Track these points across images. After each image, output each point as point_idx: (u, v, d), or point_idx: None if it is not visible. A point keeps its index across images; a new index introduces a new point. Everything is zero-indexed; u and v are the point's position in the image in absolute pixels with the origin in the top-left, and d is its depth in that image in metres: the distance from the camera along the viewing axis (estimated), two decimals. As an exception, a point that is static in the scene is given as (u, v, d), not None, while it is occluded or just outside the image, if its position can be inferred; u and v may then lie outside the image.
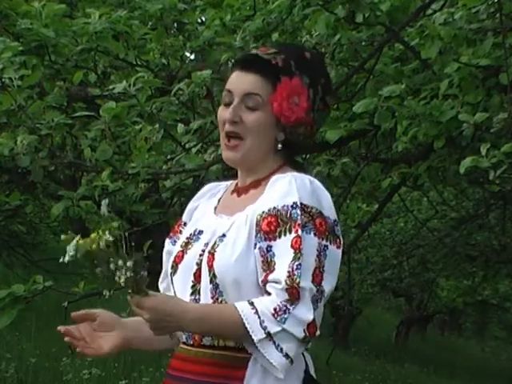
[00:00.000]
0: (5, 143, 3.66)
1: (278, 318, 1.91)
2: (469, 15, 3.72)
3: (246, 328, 1.91)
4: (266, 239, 1.97)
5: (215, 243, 2.02)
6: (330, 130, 3.93)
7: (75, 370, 6.54)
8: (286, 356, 1.92)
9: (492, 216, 8.65)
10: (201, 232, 2.09)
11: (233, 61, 2.12)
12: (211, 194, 2.20)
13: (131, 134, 3.85)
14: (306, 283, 1.93)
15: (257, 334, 1.91)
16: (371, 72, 4.00)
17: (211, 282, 2.00)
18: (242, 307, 1.93)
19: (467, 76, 3.57)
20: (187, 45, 4.91)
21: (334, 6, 3.77)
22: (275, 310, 1.92)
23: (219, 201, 2.16)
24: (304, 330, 1.93)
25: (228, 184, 2.20)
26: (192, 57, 5.52)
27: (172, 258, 2.11)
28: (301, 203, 1.97)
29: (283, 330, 1.91)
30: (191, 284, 2.05)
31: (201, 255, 2.04)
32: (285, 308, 1.92)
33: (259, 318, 1.92)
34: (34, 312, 7.96)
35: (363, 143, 4.88)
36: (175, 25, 5.16)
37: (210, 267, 2.00)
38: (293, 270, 1.92)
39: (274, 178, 2.04)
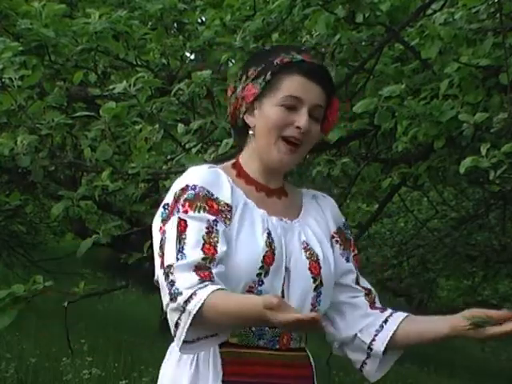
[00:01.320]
0: (5, 143, 3.66)
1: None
2: (469, 15, 3.72)
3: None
4: (351, 251, 2.22)
5: (311, 250, 2.07)
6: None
7: (75, 370, 6.54)
8: None
9: (492, 216, 8.64)
10: (270, 233, 2.04)
11: (292, 61, 2.06)
12: (228, 182, 2.07)
13: (131, 134, 3.85)
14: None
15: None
16: (371, 72, 4.00)
17: (316, 289, 2.05)
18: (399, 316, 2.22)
19: (467, 76, 3.57)
20: (187, 45, 4.91)
21: (334, 6, 3.77)
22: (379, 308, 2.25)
23: (246, 194, 2.08)
24: None
25: (222, 171, 2.09)
26: (192, 57, 5.52)
27: (260, 257, 1.99)
28: (346, 223, 2.24)
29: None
30: (281, 288, 2.03)
31: (287, 258, 2.04)
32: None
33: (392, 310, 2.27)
34: (34, 312, 7.97)
35: (363, 143, 4.87)
36: (175, 25, 5.15)
37: (317, 275, 2.05)
38: (371, 291, 2.24)
39: (312, 193, 2.22)
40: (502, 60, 3.48)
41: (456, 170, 3.55)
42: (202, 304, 1.85)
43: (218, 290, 1.86)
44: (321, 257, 2.07)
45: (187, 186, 2.02)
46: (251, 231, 2.01)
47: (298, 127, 2.03)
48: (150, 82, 3.89)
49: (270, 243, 2.01)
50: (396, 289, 14.38)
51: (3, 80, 3.73)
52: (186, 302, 1.86)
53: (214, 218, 1.97)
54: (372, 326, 2.14)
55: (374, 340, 2.14)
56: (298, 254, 2.05)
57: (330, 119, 2.12)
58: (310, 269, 2.04)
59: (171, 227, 1.98)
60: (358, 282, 2.19)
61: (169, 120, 3.95)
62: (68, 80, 4.38)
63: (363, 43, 4.13)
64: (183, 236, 1.95)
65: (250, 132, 2.10)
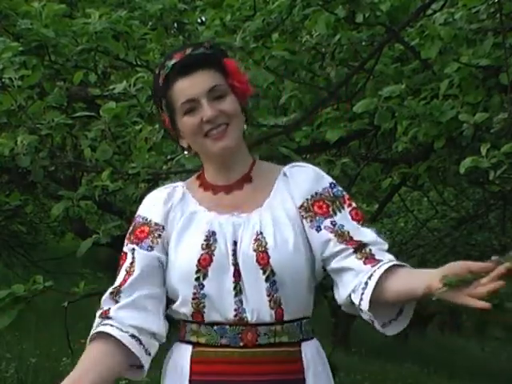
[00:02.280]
0: (5, 143, 3.66)
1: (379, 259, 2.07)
2: (469, 15, 3.72)
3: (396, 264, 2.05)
4: (325, 217, 2.08)
5: (259, 241, 2.03)
6: (329, 130, 3.93)
7: (75, 370, 6.52)
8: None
9: (492, 216, 8.64)
10: (214, 233, 2.07)
11: (167, 72, 2.12)
12: (179, 197, 2.16)
13: (131, 134, 3.85)
14: (376, 245, 2.11)
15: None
16: (371, 72, 4.00)
17: (268, 279, 2.02)
18: (384, 266, 2.04)
19: (467, 76, 3.57)
20: (187, 45, 4.91)
21: (334, 6, 3.77)
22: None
23: (198, 201, 2.14)
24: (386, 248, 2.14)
25: (182, 185, 2.20)
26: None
27: (194, 262, 2.04)
28: (333, 182, 2.13)
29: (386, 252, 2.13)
30: (233, 285, 2.03)
31: (234, 255, 2.04)
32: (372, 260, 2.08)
33: (381, 261, 2.07)
34: (34, 312, 7.96)
35: (363, 143, 4.88)
36: (175, 25, 5.15)
37: (265, 265, 2.02)
38: (367, 245, 2.08)
39: (285, 169, 2.15)
40: (501, 60, 3.48)
41: (456, 170, 3.55)
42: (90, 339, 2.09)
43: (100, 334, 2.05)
44: (270, 245, 2.02)
45: (134, 217, 2.20)
46: (190, 239, 2.08)
47: (207, 121, 2.06)
48: (150, 82, 3.88)
49: (208, 245, 2.05)
50: (396, 289, 14.37)
51: (3, 80, 3.73)
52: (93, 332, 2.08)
53: (133, 246, 2.13)
54: (360, 285, 2.04)
55: (361, 300, 2.03)
56: (246, 248, 2.04)
57: (235, 84, 2.10)
58: (257, 260, 2.02)
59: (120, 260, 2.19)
60: (345, 240, 2.06)
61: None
62: (68, 80, 4.38)
63: (363, 43, 4.13)
64: (120, 269, 2.15)
65: (185, 152, 2.18)
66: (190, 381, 2.06)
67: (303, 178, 2.12)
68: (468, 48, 3.67)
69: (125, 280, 2.10)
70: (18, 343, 7.64)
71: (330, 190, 2.11)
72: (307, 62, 4.25)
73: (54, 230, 11.48)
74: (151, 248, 2.11)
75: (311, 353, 2.09)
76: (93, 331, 2.07)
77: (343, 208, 2.10)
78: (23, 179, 5.56)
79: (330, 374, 2.15)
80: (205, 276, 2.04)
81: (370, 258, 2.06)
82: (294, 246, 2.04)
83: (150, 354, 2.09)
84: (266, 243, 2.03)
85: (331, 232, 2.06)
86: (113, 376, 2.04)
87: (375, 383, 10.57)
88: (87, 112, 4.14)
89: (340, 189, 2.12)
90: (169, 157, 3.97)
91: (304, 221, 2.08)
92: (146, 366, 2.09)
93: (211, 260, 2.04)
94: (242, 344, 2.03)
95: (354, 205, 2.11)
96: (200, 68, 2.07)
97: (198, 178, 2.19)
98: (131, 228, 2.16)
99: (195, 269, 2.04)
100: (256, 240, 2.04)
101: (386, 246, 2.10)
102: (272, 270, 2.01)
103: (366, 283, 2.00)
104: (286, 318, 2.05)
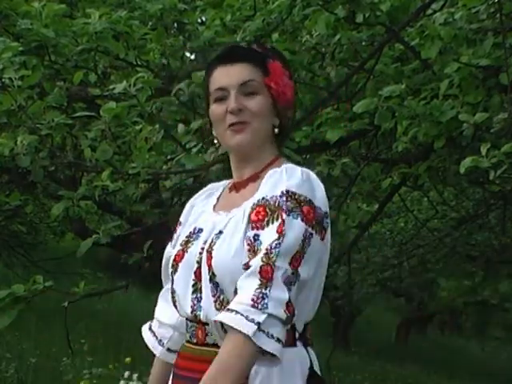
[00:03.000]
0: (5, 143, 3.66)
1: (260, 306, 1.89)
2: (469, 15, 3.72)
3: (238, 330, 1.87)
4: (253, 228, 1.98)
5: (212, 241, 2.03)
6: (330, 130, 3.93)
7: (75, 370, 6.54)
8: (278, 340, 1.90)
9: (492, 216, 8.64)
10: (200, 230, 2.10)
11: (209, 61, 2.14)
12: (209, 193, 2.22)
13: (131, 135, 3.85)
14: (283, 264, 1.92)
15: (249, 330, 1.88)
16: (371, 72, 4.00)
17: (211, 280, 2.00)
18: (223, 317, 1.90)
19: (467, 76, 3.57)
20: (187, 45, 4.91)
21: (334, 6, 3.77)
22: (253, 300, 1.90)
23: (218, 199, 2.18)
24: (284, 311, 1.91)
25: (226, 183, 2.23)
26: (192, 57, 5.52)
27: (172, 257, 2.12)
28: (287, 191, 1.99)
29: (268, 315, 1.89)
30: (192, 283, 2.06)
31: (200, 253, 2.05)
32: (261, 294, 1.90)
33: (242, 315, 1.89)
34: (34, 312, 7.96)
35: (363, 143, 4.88)
36: (175, 25, 5.15)
37: (209, 266, 2.00)
38: (271, 249, 1.92)
39: (270, 172, 2.06)
40: (501, 60, 3.48)
41: (456, 170, 3.55)
42: None
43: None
44: (216, 246, 2.00)
45: None
46: (181, 236, 2.16)
47: (230, 112, 2.07)
48: (150, 82, 3.89)
49: (186, 242, 2.10)
50: (396, 289, 14.39)
51: (3, 80, 3.73)
52: None
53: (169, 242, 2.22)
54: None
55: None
56: (205, 248, 2.05)
57: (272, 85, 2.10)
58: (206, 261, 2.02)
59: None
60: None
61: (169, 120, 3.95)
62: (68, 80, 4.38)
63: (363, 43, 4.13)
64: None
65: (215, 141, 2.17)
66: (173, 372, 2.16)
67: (267, 182, 2.05)
68: (468, 48, 3.67)
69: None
70: (18, 343, 7.65)
71: (278, 198, 1.98)
72: (307, 61, 4.25)
73: (54, 230, 11.48)
74: (171, 244, 2.21)
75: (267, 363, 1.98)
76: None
77: (277, 220, 1.96)
78: (23, 179, 5.57)
79: None
80: (175, 271, 2.10)
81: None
82: (237, 251, 1.98)
83: (163, 345, 2.24)
84: (214, 244, 2.02)
85: (248, 245, 1.97)
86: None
87: (375, 383, 10.57)
88: (87, 112, 4.14)
89: (285, 199, 1.97)
90: (169, 157, 3.97)
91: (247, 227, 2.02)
92: (161, 355, 2.25)
93: (183, 257, 2.09)
94: (195, 341, 2.06)
95: (283, 217, 1.95)
96: (240, 61, 2.09)
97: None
98: None
99: (170, 263, 2.12)
100: (212, 240, 2.04)
101: (257, 264, 1.92)
102: (213, 272, 2.00)
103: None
104: None
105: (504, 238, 9.32)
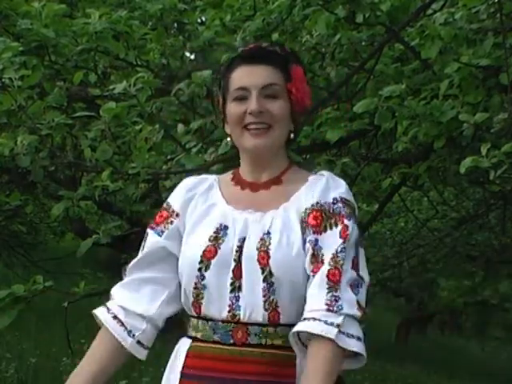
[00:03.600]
0: (5, 143, 3.65)
1: (335, 309, 1.96)
2: (469, 15, 3.72)
3: (322, 336, 1.93)
4: (314, 233, 2.03)
5: (264, 240, 2.03)
6: (330, 130, 3.93)
7: (75, 370, 6.52)
8: (359, 339, 1.98)
9: (492, 216, 8.63)
10: (226, 227, 2.08)
11: (231, 57, 2.14)
12: (205, 187, 2.19)
13: (131, 135, 3.85)
14: (349, 268, 2.00)
15: (331, 333, 1.93)
16: (371, 72, 4.00)
17: (265, 280, 2.01)
18: (304, 327, 1.96)
19: (467, 76, 3.56)
20: (187, 45, 4.91)
21: (334, 6, 3.76)
22: (327, 304, 1.96)
23: (222, 194, 2.16)
24: (357, 309, 1.98)
25: (216, 178, 2.22)
26: (192, 57, 5.52)
27: (200, 253, 2.06)
28: (341, 198, 2.06)
29: (345, 316, 1.95)
30: (230, 281, 2.04)
31: (237, 251, 2.04)
32: (334, 297, 1.97)
33: (321, 320, 1.95)
34: (34, 312, 7.95)
35: (363, 143, 4.87)
36: (175, 25, 5.15)
37: (265, 265, 2.00)
38: (337, 253, 1.99)
39: (311, 178, 2.12)
40: (502, 60, 3.47)
41: (456, 170, 3.55)
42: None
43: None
44: (273, 246, 2.01)
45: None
46: (203, 229, 2.10)
47: (249, 113, 2.07)
48: (150, 82, 3.89)
49: (215, 238, 2.06)
50: (396, 289, 14.39)
51: (3, 80, 3.73)
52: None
53: (148, 230, 2.21)
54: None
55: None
56: (251, 247, 2.04)
57: (293, 91, 2.10)
58: (258, 260, 2.01)
59: None
60: (316, 262, 2.01)
61: (169, 120, 3.95)
62: (68, 80, 4.38)
63: (363, 43, 4.13)
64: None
65: (228, 139, 2.18)
66: (182, 373, 2.08)
67: (314, 188, 2.10)
68: (468, 48, 3.67)
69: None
70: (18, 343, 7.64)
71: (332, 204, 2.06)
72: (307, 61, 4.25)
73: (54, 230, 11.48)
74: (161, 233, 2.16)
75: (304, 361, 2.04)
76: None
77: (336, 226, 2.04)
78: (23, 179, 5.56)
79: None
80: (207, 268, 2.05)
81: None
82: (298, 250, 2.02)
83: (133, 336, 2.14)
84: (270, 243, 2.02)
85: (312, 249, 2.02)
86: (111, 357, 2.17)
87: (375, 383, 10.56)
88: (87, 112, 4.14)
89: (341, 205, 2.05)
90: (169, 157, 3.97)
91: (306, 230, 2.06)
92: (130, 348, 2.14)
93: (216, 253, 2.05)
94: (231, 342, 2.03)
95: (345, 222, 2.03)
96: (264, 62, 2.09)
97: (233, 172, 2.21)
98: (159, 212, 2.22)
99: (199, 259, 2.05)
100: (261, 239, 2.03)
101: (325, 269, 1.99)
102: (270, 271, 2.00)
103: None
104: (282, 321, 2.03)
105: (504, 238, 9.32)
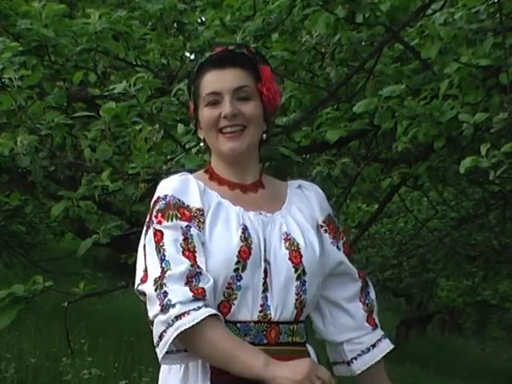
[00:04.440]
0: (5, 143, 3.65)
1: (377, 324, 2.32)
2: (469, 15, 3.72)
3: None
4: (340, 239, 2.23)
5: (291, 241, 2.07)
6: (329, 130, 3.93)
7: (75, 370, 6.53)
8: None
9: (492, 216, 8.64)
10: (246, 227, 2.08)
11: (202, 62, 2.14)
12: (199, 185, 2.15)
13: (131, 135, 3.85)
14: None
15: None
16: (371, 72, 4.00)
17: (298, 278, 2.05)
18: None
19: (467, 76, 3.56)
20: (187, 45, 4.91)
21: (334, 6, 3.76)
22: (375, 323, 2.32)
23: (219, 194, 2.15)
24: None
25: (191, 176, 2.16)
26: (192, 57, 5.52)
27: (235, 253, 2.02)
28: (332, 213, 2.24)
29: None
30: (262, 281, 2.05)
31: (265, 251, 2.05)
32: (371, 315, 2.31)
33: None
34: (34, 312, 7.96)
35: (363, 143, 4.87)
36: (175, 25, 5.15)
37: (298, 264, 2.05)
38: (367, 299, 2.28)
39: (294, 183, 2.24)
40: (502, 60, 3.47)
41: (456, 170, 3.55)
42: (192, 326, 1.89)
43: (211, 316, 1.92)
44: (302, 245, 2.07)
45: (158, 197, 2.10)
46: (225, 229, 2.05)
47: (224, 116, 2.08)
48: (150, 82, 3.89)
49: (245, 238, 2.05)
50: (396, 289, 14.39)
51: (3, 80, 3.73)
52: (177, 317, 1.91)
53: (186, 223, 2.03)
54: (360, 343, 2.22)
55: (355, 359, 2.22)
56: (277, 246, 2.06)
57: (264, 91, 2.12)
58: (290, 259, 2.05)
59: (149, 240, 2.04)
60: (356, 278, 2.27)
61: (169, 120, 3.95)
62: (68, 80, 4.38)
63: (363, 43, 4.12)
64: (161, 245, 2.01)
65: (201, 144, 2.20)
66: (212, 381, 2.01)
67: (318, 196, 2.22)
68: (468, 48, 3.67)
69: (195, 256, 1.99)
70: (18, 343, 7.64)
71: (332, 218, 2.23)
72: (307, 62, 4.25)
73: (53, 230, 11.46)
74: (199, 229, 2.04)
75: (313, 354, 2.15)
76: (195, 314, 1.91)
77: (340, 239, 2.23)
78: (23, 179, 5.56)
79: None
80: (243, 268, 2.03)
81: (371, 316, 2.25)
82: (319, 252, 2.11)
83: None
84: (298, 243, 2.07)
85: (347, 256, 2.21)
86: None
87: None
88: (87, 112, 4.13)
89: (337, 221, 2.29)
90: (169, 157, 3.97)
91: (326, 235, 2.17)
92: None
93: (250, 253, 2.04)
94: (265, 342, 2.03)
95: (345, 239, 2.24)
96: (233, 65, 2.11)
97: (207, 172, 2.19)
98: (160, 207, 2.06)
99: (235, 259, 2.02)
100: (286, 240, 2.07)
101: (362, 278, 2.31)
102: (303, 270, 2.06)
103: (368, 349, 2.21)
104: (300, 318, 2.10)
105: (504, 238, 9.32)
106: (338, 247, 2.20)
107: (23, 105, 3.74)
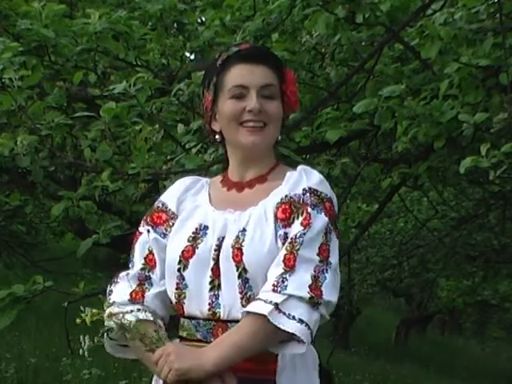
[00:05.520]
0: (5, 143, 3.65)
1: (279, 289, 1.96)
2: (469, 15, 3.72)
3: (256, 313, 1.94)
4: (283, 226, 2.05)
5: (238, 238, 2.04)
6: (329, 130, 3.93)
7: (75, 370, 6.54)
8: (300, 321, 1.95)
9: (492, 216, 8.64)
10: (206, 227, 2.11)
11: (229, 55, 2.14)
12: (196, 189, 2.22)
13: (131, 135, 3.85)
14: (308, 253, 2.00)
15: (265, 309, 1.94)
16: (371, 72, 4.00)
17: (240, 276, 2.02)
18: (248, 307, 1.98)
19: (467, 76, 3.57)
20: (187, 45, 4.91)
21: (334, 6, 3.76)
22: (274, 285, 1.97)
23: (210, 196, 2.19)
24: (308, 292, 1.96)
25: (207, 180, 2.25)
26: (192, 57, 5.52)
27: (178, 253, 2.09)
28: (309, 188, 2.08)
29: (288, 296, 1.95)
30: (209, 280, 2.06)
31: (216, 250, 2.06)
32: (281, 279, 1.97)
33: (261, 299, 1.97)
34: (34, 312, 7.96)
35: (363, 143, 4.88)
36: (175, 25, 5.15)
37: (239, 262, 2.02)
38: (295, 238, 2.00)
39: (288, 174, 2.14)
40: (502, 60, 3.47)
41: (456, 170, 3.55)
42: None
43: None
44: (246, 242, 2.03)
45: (155, 200, 2.24)
46: (181, 231, 2.13)
47: (249, 111, 2.09)
48: (150, 82, 3.89)
49: (194, 238, 2.09)
50: (396, 289, 14.39)
51: (3, 80, 3.73)
52: (109, 316, 2.09)
53: (148, 228, 2.18)
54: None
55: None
56: (228, 245, 2.05)
57: (287, 93, 2.16)
58: (232, 257, 2.03)
59: None
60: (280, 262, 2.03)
61: (169, 120, 3.95)
62: (68, 80, 4.38)
63: (363, 43, 4.13)
64: (133, 246, 2.19)
65: (216, 136, 2.18)
66: None
67: (287, 182, 2.12)
68: (468, 48, 3.67)
69: (154, 263, 2.15)
70: (18, 343, 7.65)
71: (301, 195, 2.07)
72: (307, 62, 4.25)
73: (53, 230, 11.46)
74: (164, 236, 2.16)
75: (291, 356, 2.05)
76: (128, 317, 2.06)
77: (302, 215, 2.04)
78: (23, 179, 5.57)
79: (314, 381, 2.11)
80: (185, 267, 2.08)
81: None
82: (270, 246, 2.03)
83: None
84: (243, 240, 2.04)
85: (283, 244, 2.03)
86: None
87: (375, 383, 10.57)
88: (87, 112, 4.13)
89: (308, 196, 2.07)
90: (169, 157, 3.97)
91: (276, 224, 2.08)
92: None
93: (193, 253, 2.08)
94: (212, 339, 2.04)
95: (309, 210, 2.04)
96: (263, 63, 2.12)
97: (223, 174, 2.23)
98: (150, 210, 2.21)
99: (178, 259, 2.09)
100: (236, 237, 2.05)
101: (281, 256, 2.02)
102: (244, 268, 2.02)
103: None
104: None
105: (504, 238, 9.32)
106: (276, 234, 2.04)
107: (23, 105, 3.74)
